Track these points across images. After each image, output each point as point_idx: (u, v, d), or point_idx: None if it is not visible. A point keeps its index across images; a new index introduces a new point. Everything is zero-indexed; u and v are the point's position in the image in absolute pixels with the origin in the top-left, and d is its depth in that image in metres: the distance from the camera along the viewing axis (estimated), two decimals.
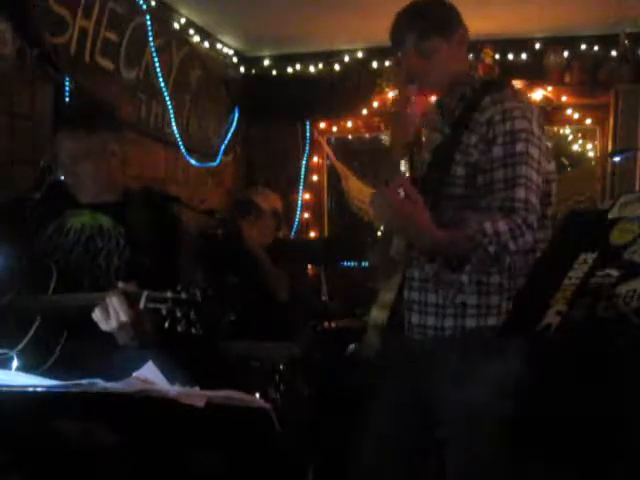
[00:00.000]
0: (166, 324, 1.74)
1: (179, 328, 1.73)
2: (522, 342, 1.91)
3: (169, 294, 1.75)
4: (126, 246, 2.15)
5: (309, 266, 4.85)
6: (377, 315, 2.06)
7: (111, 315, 1.81)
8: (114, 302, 1.81)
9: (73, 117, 2.29)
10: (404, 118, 2.05)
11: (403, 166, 2.05)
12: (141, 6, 3.51)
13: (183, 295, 1.74)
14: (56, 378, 1.28)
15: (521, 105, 1.88)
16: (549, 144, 2.00)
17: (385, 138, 4.98)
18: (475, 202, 1.89)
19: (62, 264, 2.08)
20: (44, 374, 1.64)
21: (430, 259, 1.93)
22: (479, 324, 1.92)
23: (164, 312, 1.75)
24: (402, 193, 1.71)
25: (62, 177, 2.30)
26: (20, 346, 1.87)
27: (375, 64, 4.75)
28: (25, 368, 1.77)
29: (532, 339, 1.88)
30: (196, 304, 1.73)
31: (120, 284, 1.85)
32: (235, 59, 4.83)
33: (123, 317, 1.80)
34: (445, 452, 1.99)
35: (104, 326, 1.84)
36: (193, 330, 1.73)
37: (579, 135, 4.85)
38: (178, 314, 1.73)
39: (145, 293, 1.80)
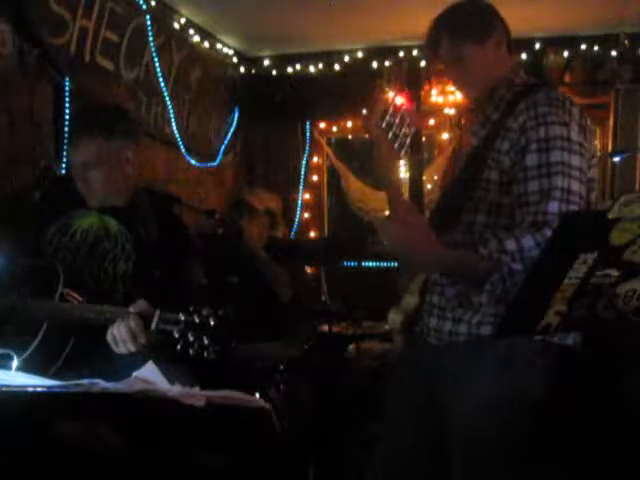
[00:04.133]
0: (178, 347, 1.70)
1: (191, 352, 1.69)
2: (535, 350, 1.85)
3: (182, 316, 1.71)
4: (132, 251, 2.13)
5: (309, 266, 4.86)
6: (393, 319, 2.04)
7: (128, 339, 1.78)
8: (132, 326, 1.77)
9: (92, 121, 2.26)
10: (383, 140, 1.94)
11: (402, 167, 2.02)
12: (141, 6, 3.51)
13: (196, 319, 1.69)
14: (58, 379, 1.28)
15: (557, 109, 1.78)
16: (593, 148, 1.87)
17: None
18: (509, 210, 1.83)
19: (67, 265, 2.06)
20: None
21: (452, 282, 1.88)
22: (494, 332, 1.86)
23: (176, 335, 1.70)
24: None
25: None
26: (27, 353, 1.85)
27: (375, 64, 4.76)
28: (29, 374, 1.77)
29: (544, 346, 1.85)
30: (208, 329, 1.68)
31: (131, 308, 1.81)
32: (235, 59, 4.83)
33: (142, 340, 1.77)
34: (452, 461, 1.96)
35: (121, 349, 1.80)
36: (205, 354, 1.68)
37: None
38: (191, 338, 1.69)
39: (157, 314, 1.76)
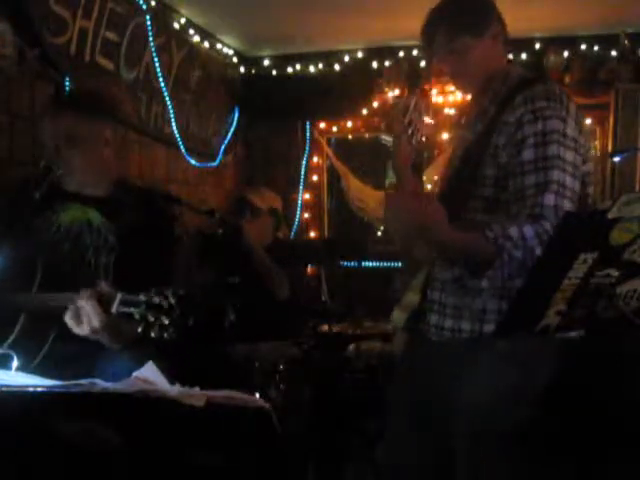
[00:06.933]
0: (139, 329, 1.67)
1: (152, 334, 1.66)
2: (536, 346, 1.84)
3: (142, 297, 1.68)
4: (115, 245, 2.10)
5: (309, 266, 4.86)
6: (397, 316, 2.03)
7: (83, 321, 1.76)
8: (86, 308, 1.75)
9: (67, 100, 2.23)
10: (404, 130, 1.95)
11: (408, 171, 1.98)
12: (141, 6, 3.51)
13: (155, 299, 1.66)
14: (47, 377, 1.28)
15: (555, 104, 1.78)
16: (588, 143, 1.88)
17: (387, 140, 4.97)
18: (505, 207, 1.83)
19: (50, 260, 2.02)
20: (34, 371, 1.64)
21: (452, 263, 1.86)
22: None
23: (137, 316, 1.68)
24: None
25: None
26: (8, 342, 1.84)
27: (375, 64, 4.75)
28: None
29: (545, 342, 1.85)
30: (167, 309, 1.65)
31: (97, 285, 1.79)
32: (235, 59, 4.83)
33: (95, 323, 1.75)
34: (456, 459, 1.95)
35: (78, 331, 1.79)
36: (166, 335, 1.65)
37: None
38: (151, 319, 1.66)
39: (118, 296, 1.73)
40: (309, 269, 4.89)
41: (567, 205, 1.74)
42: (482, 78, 1.94)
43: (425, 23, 1.96)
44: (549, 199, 1.73)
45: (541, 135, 1.76)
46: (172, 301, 1.66)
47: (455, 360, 1.92)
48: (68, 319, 1.79)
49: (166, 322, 1.66)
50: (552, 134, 1.75)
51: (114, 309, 1.73)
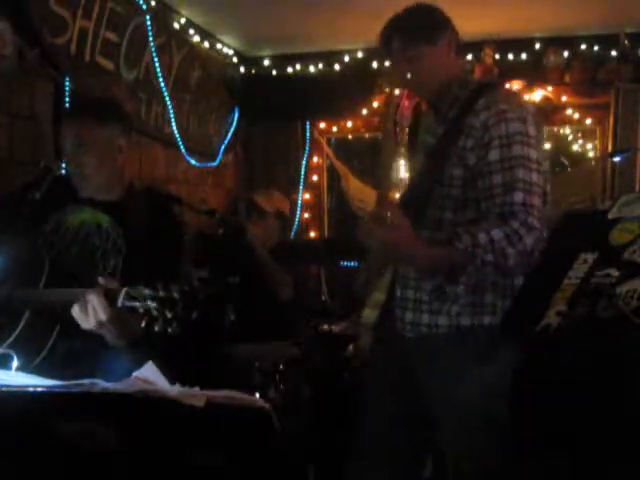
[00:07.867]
0: (143, 323, 1.69)
1: (156, 327, 1.68)
2: (515, 340, 1.92)
3: (147, 291, 1.70)
4: (123, 247, 2.13)
5: (309, 266, 4.85)
6: (368, 315, 2.08)
7: (90, 314, 1.78)
8: (93, 301, 1.77)
9: (84, 105, 2.27)
10: (392, 124, 2.10)
11: (394, 170, 2.09)
12: (141, 6, 3.51)
13: (160, 293, 1.68)
14: (49, 376, 1.28)
15: (515, 107, 1.89)
16: (546, 144, 2.02)
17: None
18: (474, 205, 1.92)
19: (58, 260, 2.05)
20: (35, 370, 1.64)
21: (431, 276, 1.95)
22: (473, 322, 1.93)
23: (141, 310, 1.70)
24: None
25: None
26: (10, 340, 1.86)
27: (375, 64, 4.75)
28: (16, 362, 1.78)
29: (526, 337, 1.90)
30: (171, 302, 1.67)
31: (100, 280, 1.81)
32: (235, 59, 4.83)
33: (102, 316, 1.77)
34: (441, 448, 2.01)
35: (84, 324, 1.81)
36: (169, 330, 1.67)
37: (579, 135, 4.85)
38: (154, 313, 1.68)
39: (124, 290, 1.75)
40: (309, 269, 4.88)
41: (536, 201, 1.83)
42: (438, 83, 2.01)
43: (381, 32, 2.03)
44: (518, 197, 1.82)
45: (505, 137, 1.86)
46: (176, 295, 1.67)
47: (434, 356, 1.97)
48: (75, 312, 1.81)
49: (170, 316, 1.67)
50: (515, 136, 1.85)
51: (120, 302, 1.75)
